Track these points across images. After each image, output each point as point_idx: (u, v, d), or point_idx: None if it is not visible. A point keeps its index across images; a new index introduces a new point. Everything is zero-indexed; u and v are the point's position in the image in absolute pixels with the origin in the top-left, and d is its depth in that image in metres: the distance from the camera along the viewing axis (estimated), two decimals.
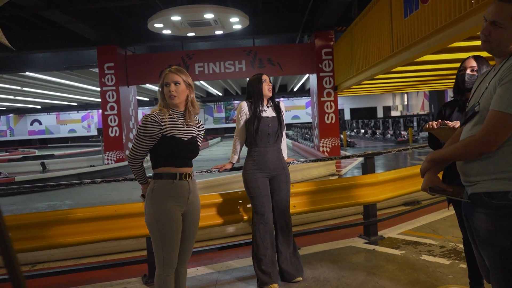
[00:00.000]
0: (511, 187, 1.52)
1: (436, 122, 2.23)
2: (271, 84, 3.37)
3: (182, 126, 2.38)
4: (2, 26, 1.59)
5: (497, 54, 1.65)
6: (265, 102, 3.37)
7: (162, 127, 2.30)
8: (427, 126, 2.24)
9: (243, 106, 3.34)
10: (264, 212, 3.25)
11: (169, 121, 2.34)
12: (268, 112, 3.34)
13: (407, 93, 31.42)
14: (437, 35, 5.26)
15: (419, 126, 20.03)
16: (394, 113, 32.75)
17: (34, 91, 22.38)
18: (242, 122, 3.34)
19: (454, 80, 2.67)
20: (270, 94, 3.36)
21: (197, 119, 2.55)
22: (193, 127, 2.46)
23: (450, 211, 4.62)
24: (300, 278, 3.32)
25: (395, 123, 21.74)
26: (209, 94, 30.86)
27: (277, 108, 3.39)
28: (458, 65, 2.64)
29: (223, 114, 38.24)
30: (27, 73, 16.00)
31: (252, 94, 3.33)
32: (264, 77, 3.37)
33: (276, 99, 3.49)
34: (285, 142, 3.49)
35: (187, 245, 2.47)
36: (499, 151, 1.55)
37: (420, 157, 13.24)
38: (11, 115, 37.98)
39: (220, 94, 30.12)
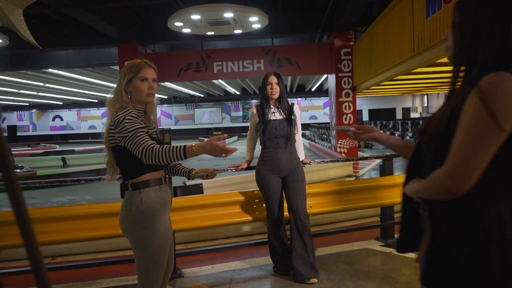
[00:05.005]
0: None
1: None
2: (278, 87, 3.34)
3: (148, 125, 2.14)
4: (27, 23, 1.62)
5: None
6: (273, 104, 3.38)
7: (144, 126, 2.03)
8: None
9: (251, 113, 3.49)
10: (274, 210, 3.37)
11: (143, 119, 2.10)
12: (276, 114, 3.35)
13: (427, 94, 30.90)
14: None
15: None
16: (413, 115, 32.26)
17: (56, 88, 22.84)
18: (251, 126, 3.52)
19: None
20: (274, 97, 3.35)
21: (152, 119, 2.26)
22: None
23: None
24: (315, 280, 3.31)
25: (415, 125, 21.43)
26: (227, 93, 30.97)
27: (289, 110, 3.38)
28: None
29: (240, 113, 38.31)
30: (50, 70, 16.33)
31: (261, 96, 3.41)
32: (270, 78, 3.36)
33: (291, 101, 3.49)
34: (301, 143, 3.50)
35: (170, 255, 2.24)
36: None
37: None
38: (33, 110, 38.84)
39: (238, 93, 30.20)
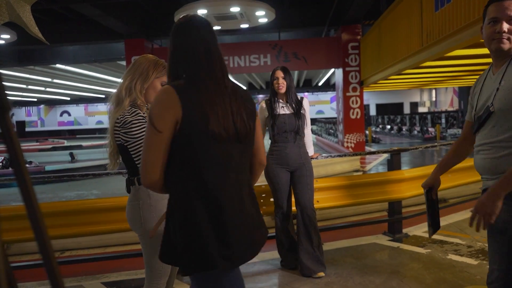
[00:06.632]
0: None
1: None
2: (284, 81, 3.34)
3: None
4: (35, 19, 1.63)
5: (507, 54, 1.68)
6: (281, 98, 3.38)
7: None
8: None
9: (260, 107, 3.47)
10: (282, 204, 3.38)
11: None
12: (285, 109, 3.35)
13: (435, 88, 30.65)
14: (469, 29, 5.10)
15: (447, 123, 19.54)
16: (421, 109, 32.05)
17: (64, 83, 22.96)
18: (260, 121, 3.46)
19: None
20: (281, 91, 3.35)
21: None
22: None
23: None
24: (323, 274, 3.31)
25: (422, 120, 21.29)
26: None
27: (297, 105, 3.37)
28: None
29: None
30: (58, 65, 16.41)
31: (270, 91, 3.41)
32: (277, 73, 3.36)
33: (300, 95, 3.48)
34: (310, 138, 3.50)
35: None
36: None
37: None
38: (42, 106, 39.11)
39: (245, 87, 30.14)
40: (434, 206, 2.04)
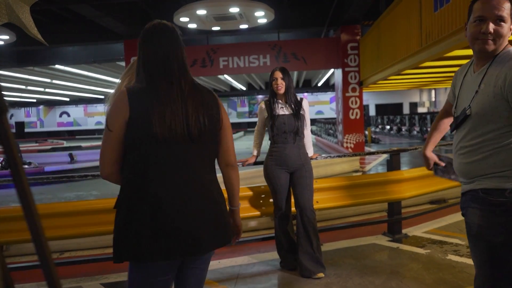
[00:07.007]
0: (508, 185, 1.55)
1: None
2: (283, 82, 3.33)
3: None
4: (33, 20, 1.63)
5: (490, 55, 1.63)
6: (280, 99, 3.37)
7: None
8: None
9: (260, 108, 3.48)
10: (282, 205, 3.38)
11: None
12: (284, 109, 3.34)
13: (435, 89, 30.66)
14: None
15: None
16: (420, 110, 32.04)
17: (63, 84, 22.96)
18: (259, 121, 3.51)
19: None
20: (280, 92, 3.34)
21: None
22: None
23: None
24: (322, 274, 3.31)
25: (422, 120, 21.27)
26: (232, 88, 30.95)
27: (297, 105, 3.37)
28: None
29: (246, 109, 38.29)
30: (57, 66, 16.41)
31: (269, 92, 3.41)
32: (276, 74, 3.35)
33: (300, 95, 3.48)
34: (309, 138, 3.49)
35: None
36: (502, 150, 1.56)
37: (447, 155, 12.93)
38: (41, 107, 39.10)
39: (244, 88, 30.16)
40: (448, 167, 2.02)
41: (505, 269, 1.59)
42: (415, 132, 21.68)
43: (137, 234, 1.48)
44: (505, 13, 1.57)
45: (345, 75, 12.43)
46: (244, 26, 10.46)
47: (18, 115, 39.51)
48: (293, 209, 3.47)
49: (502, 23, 1.58)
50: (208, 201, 1.59)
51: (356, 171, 9.78)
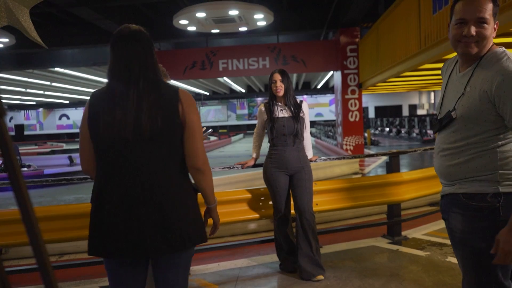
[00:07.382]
0: (490, 189, 1.53)
1: None
2: (282, 84, 3.33)
3: None
4: (33, 23, 1.63)
5: (475, 57, 1.59)
6: (280, 101, 3.38)
7: None
8: None
9: (259, 110, 3.48)
10: (281, 208, 3.37)
11: None
12: (284, 112, 3.34)
13: (434, 91, 30.71)
14: None
15: None
16: (420, 112, 32.07)
17: (63, 86, 22.99)
18: (258, 123, 3.52)
19: None
20: (279, 95, 3.34)
21: None
22: None
23: None
24: (322, 277, 3.30)
25: (421, 122, 21.30)
26: (232, 90, 30.98)
27: (296, 108, 3.36)
28: None
29: (246, 111, 38.32)
30: (56, 69, 16.42)
31: (269, 94, 3.41)
32: (275, 76, 3.35)
33: (299, 98, 3.48)
34: (309, 141, 3.49)
35: None
36: (485, 154, 1.54)
37: None
38: (40, 109, 39.11)
39: (243, 90, 30.20)
40: None
41: (490, 274, 1.56)
42: (414, 134, 21.70)
43: (90, 233, 1.65)
44: (487, 14, 1.52)
45: (344, 77, 12.44)
46: (243, 29, 10.47)
47: (17, 118, 39.50)
48: (292, 211, 3.46)
49: (485, 25, 1.52)
50: (150, 205, 1.55)
51: (356, 173, 9.78)
